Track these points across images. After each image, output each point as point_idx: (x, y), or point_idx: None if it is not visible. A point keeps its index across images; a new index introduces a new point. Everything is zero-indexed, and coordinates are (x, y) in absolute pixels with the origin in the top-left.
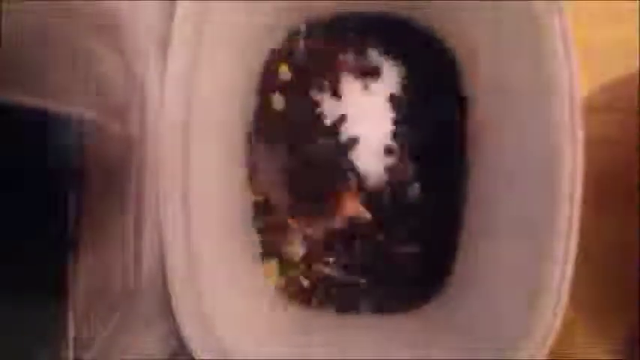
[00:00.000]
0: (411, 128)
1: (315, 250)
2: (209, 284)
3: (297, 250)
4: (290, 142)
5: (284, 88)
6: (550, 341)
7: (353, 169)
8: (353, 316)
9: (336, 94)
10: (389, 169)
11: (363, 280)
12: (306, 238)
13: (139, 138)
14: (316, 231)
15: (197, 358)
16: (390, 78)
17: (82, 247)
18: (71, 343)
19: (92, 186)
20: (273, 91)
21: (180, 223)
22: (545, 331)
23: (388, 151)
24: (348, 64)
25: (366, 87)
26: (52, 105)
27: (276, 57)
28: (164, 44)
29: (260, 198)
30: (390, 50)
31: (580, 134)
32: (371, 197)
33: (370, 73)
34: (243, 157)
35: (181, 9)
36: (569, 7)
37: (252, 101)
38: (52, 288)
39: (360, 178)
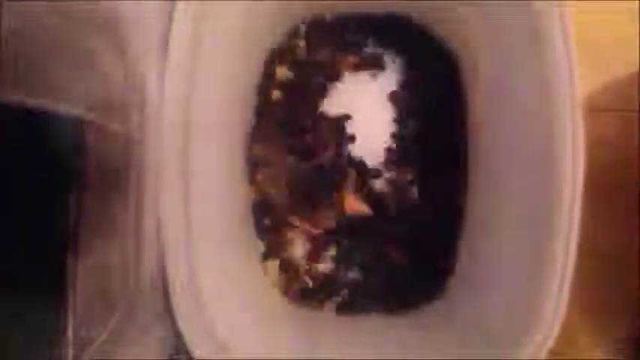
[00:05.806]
0: (411, 127)
1: (315, 249)
2: (209, 284)
3: (297, 249)
4: (290, 141)
5: (284, 88)
6: (550, 341)
7: (354, 166)
8: (354, 316)
9: (336, 93)
10: (389, 168)
11: (363, 280)
12: (306, 237)
13: (139, 138)
14: (317, 230)
15: (197, 358)
16: (391, 77)
17: (82, 247)
18: (71, 343)
19: (92, 186)
20: (274, 91)
21: (181, 223)
22: (546, 331)
23: (388, 150)
24: (349, 64)
25: (366, 86)
26: (52, 105)
27: (276, 57)
28: (164, 44)
29: (260, 197)
30: (391, 50)
31: (580, 134)
32: (371, 196)
33: (370, 71)
34: (243, 156)
35: (181, 9)
36: (570, 6)
37: (252, 101)
38: (52, 288)
39: (360, 176)
